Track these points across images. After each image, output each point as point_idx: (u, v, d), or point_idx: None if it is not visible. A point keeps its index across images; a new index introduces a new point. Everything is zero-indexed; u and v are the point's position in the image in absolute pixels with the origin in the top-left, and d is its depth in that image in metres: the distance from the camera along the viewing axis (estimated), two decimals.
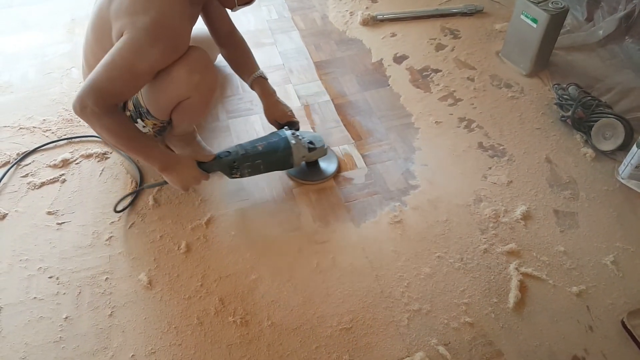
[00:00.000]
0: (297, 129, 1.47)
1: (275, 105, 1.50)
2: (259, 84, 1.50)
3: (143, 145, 1.26)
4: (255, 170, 1.38)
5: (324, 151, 1.46)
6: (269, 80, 1.54)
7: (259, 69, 1.52)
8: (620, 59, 1.83)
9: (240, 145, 1.38)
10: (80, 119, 1.18)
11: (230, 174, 1.37)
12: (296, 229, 1.37)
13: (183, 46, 1.21)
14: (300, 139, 1.40)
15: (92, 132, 1.62)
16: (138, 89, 1.24)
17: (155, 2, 1.13)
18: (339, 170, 1.52)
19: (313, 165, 1.50)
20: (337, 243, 1.34)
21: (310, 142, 1.43)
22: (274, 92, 1.52)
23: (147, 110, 1.34)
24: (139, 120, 1.37)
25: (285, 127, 1.45)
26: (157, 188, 1.46)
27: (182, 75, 1.23)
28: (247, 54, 1.54)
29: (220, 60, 1.78)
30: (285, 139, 1.38)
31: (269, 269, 1.28)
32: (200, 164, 1.33)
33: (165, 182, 1.35)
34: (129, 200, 1.43)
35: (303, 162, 1.46)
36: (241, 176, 1.38)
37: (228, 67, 1.62)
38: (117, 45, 1.15)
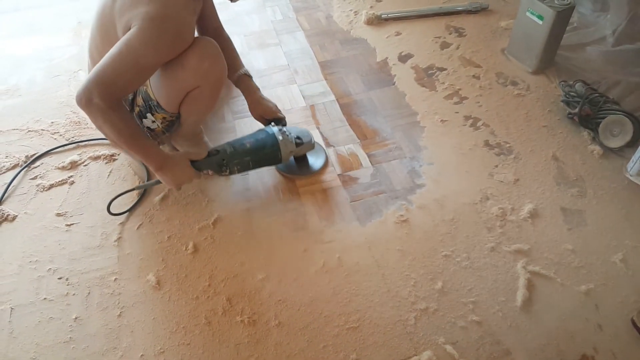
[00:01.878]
0: (284, 125, 1.49)
1: (259, 101, 1.51)
2: (244, 81, 1.51)
3: (143, 143, 1.25)
4: (244, 167, 1.40)
5: (311, 146, 1.48)
6: (274, 84, 1.56)
7: (244, 67, 1.53)
8: (629, 51, 1.80)
9: (228, 143, 1.40)
10: (84, 112, 1.16)
11: (220, 172, 1.38)
12: (302, 228, 1.38)
13: (189, 38, 1.22)
14: (287, 135, 1.41)
15: (100, 135, 1.64)
16: (143, 82, 1.25)
17: None
18: (326, 164, 1.54)
19: (302, 160, 1.52)
20: (343, 242, 1.34)
21: (298, 137, 1.44)
22: (258, 89, 1.52)
23: (157, 102, 1.35)
24: (148, 114, 1.38)
25: (272, 123, 1.46)
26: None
27: (192, 63, 1.24)
28: (232, 52, 1.54)
29: None
30: (273, 135, 1.40)
31: (276, 269, 1.29)
32: (192, 162, 1.34)
33: (158, 182, 1.36)
34: (128, 205, 1.44)
35: (291, 158, 1.48)
36: (230, 173, 1.39)
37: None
38: (125, 37, 1.15)
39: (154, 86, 1.32)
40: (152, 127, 1.42)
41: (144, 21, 1.13)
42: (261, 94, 1.52)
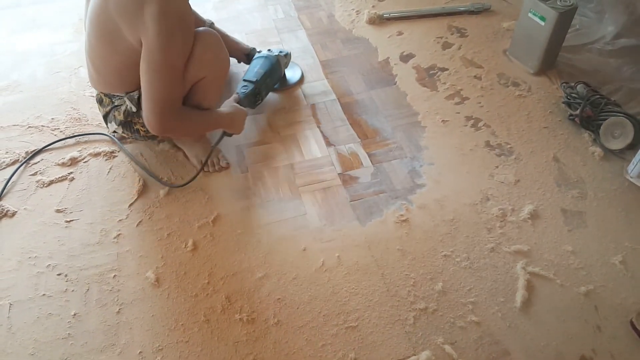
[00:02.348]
0: (258, 52, 1.73)
1: (234, 42, 1.73)
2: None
3: (213, 119, 1.43)
4: (268, 90, 1.67)
5: (290, 55, 1.77)
6: None
7: (206, 20, 1.68)
8: (629, 48, 1.80)
9: (245, 79, 1.60)
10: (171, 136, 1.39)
11: (255, 103, 1.61)
12: (302, 227, 1.38)
13: (192, 22, 1.28)
14: (275, 52, 1.68)
15: (99, 130, 1.64)
16: (183, 79, 1.31)
17: None
18: (303, 77, 1.83)
19: (283, 75, 1.77)
20: (342, 242, 1.34)
21: (281, 51, 1.70)
22: (225, 32, 1.72)
23: None
24: None
25: (257, 52, 1.72)
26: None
27: (195, 55, 1.30)
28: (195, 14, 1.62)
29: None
30: (270, 56, 1.66)
31: (275, 267, 1.29)
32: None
33: (222, 136, 1.49)
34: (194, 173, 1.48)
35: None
36: (261, 100, 1.64)
37: (233, 66, 1.63)
38: (147, 58, 1.20)
39: None
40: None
41: (153, 28, 1.16)
42: (228, 34, 1.73)
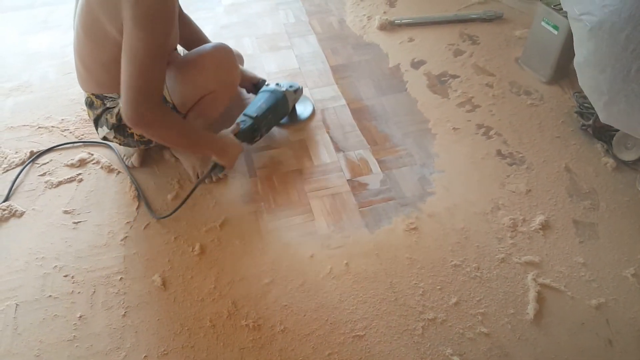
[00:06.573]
0: (268, 84, 1.64)
1: (244, 72, 1.66)
2: None
3: (202, 136, 1.33)
4: (268, 127, 1.55)
5: (301, 90, 1.67)
6: None
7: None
8: None
9: (245, 113, 1.50)
10: (145, 133, 1.21)
11: (253, 139, 1.51)
12: (310, 233, 1.36)
13: (174, 9, 1.18)
14: (284, 87, 1.59)
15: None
16: (165, 68, 1.23)
17: None
18: (314, 112, 1.72)
19: (293, 110, 1.68)
20: (351, 249, 1.33)
21: (291, 86, 1.60)
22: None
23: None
24: None
25: (265, 85, 1.63)
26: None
27: (209, 68, 1.33)
28: (199, 31, 1.60)
29: None
30: (276, 90, 1.57)
31: (282, 274, 1.28)
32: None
33: (213, 168, 1.40)
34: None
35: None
36: (260, 137, 1.53)
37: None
38: (125, 45, 1.14)
39: (171, 87, 1.35)
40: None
41: (130, 9, 1.11)
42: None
